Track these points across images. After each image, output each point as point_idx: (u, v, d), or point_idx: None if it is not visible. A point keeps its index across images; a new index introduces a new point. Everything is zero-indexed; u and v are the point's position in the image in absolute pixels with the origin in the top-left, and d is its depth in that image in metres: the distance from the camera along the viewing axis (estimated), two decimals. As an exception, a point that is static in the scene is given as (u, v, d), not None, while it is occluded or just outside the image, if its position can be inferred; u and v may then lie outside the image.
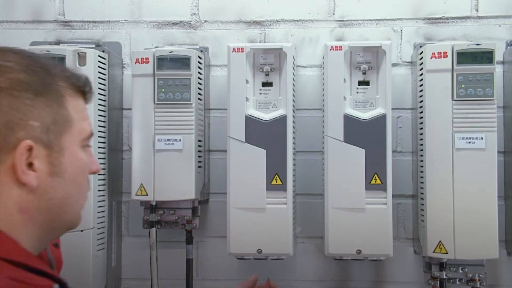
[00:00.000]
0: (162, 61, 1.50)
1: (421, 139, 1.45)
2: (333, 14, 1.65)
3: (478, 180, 1.38)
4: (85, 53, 1.49)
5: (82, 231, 1.44)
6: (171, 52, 1.51)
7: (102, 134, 1.53)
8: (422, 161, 1.45)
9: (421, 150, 1.45)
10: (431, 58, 1.41)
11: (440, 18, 1.62)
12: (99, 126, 1.51)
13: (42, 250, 0.84)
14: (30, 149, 0.73)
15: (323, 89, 1.51)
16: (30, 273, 0.70)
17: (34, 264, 0.72)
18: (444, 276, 1.44)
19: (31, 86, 0.74)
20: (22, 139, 0.72)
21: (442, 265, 1.44)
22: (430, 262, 1.45)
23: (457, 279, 1.45)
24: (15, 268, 0.69)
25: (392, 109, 1.44)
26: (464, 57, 1.39)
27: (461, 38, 1.60)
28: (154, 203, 1.53)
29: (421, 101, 1.45)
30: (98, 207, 1.51)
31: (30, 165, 0.74)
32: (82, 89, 0.84)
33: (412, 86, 1.59)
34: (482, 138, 1.38)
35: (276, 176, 1.44)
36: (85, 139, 0.84)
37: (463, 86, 1.39)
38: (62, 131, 0.78)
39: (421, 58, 1.44)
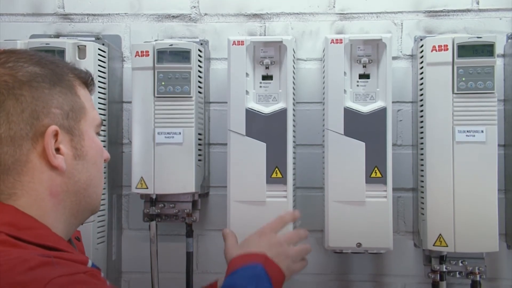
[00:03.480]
0: (162, 54, 1.50)
1: (422, 133, 1.45)
2: (334, 7, 1.65)
3: (478, 173, 1.38)
4: (85, 46, 1.48)
5: (82, 224, 1.44)
6: (171, 45, 1.50)
7: (102, 128, 1.52)
8: (422, 154, 1.45)
9: (421, 143, 1.45)
10: (432, 51, 1.41)
11: (441, 11, 1.61)
12: (99, 119, 1.51)
13: (70, 235, 0.89)
14: (56, 134, 0.79)
15: (323, 82, 1.51)
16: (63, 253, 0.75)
17: (66, 249, 0.77)
18: (444, 269, 1.44)
19: (47, 77, 0.80)
20: (48, 125, 0.78)
21: (442, 258, 1.44)
22: (430, 255, 1.45)
23: (457, 272, 1.45)
24: (47, 252, 0.73)
25: (393, 102, 1.44)
26: (465, 50, 1.39)
27: (461, 31, 1.60)
28: (154, 197, 1.53)
29: (422, 94, 1.45)
30: (98, 200, 1.50)
31: (57, 150, 0.80)
32: (86, 80, 0.90)
33: (413, 79, 1.59)
34: (482, 131, 1.38)
35: (276, 169, 1.44)
36: (97, 126, 0.90)
37: (463, 79, 1.39)
38: (79, 117, 0.84)
39: (422, 51, 1.44)
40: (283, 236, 1.16)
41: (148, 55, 1.49)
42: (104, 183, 1.53)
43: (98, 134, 0.91)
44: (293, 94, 1.50)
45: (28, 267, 0.66)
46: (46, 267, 0.67)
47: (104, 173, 1.51)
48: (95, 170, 0.87)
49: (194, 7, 1.69)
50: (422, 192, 1.45)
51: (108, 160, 0.96)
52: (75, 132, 0.83)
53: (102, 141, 1.51)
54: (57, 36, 1.69)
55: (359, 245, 1.42)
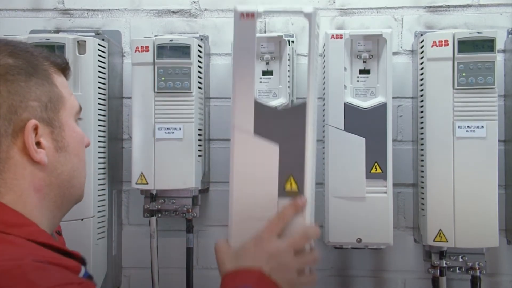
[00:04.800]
0: (162, 50, 1.49)
1: (422, 128, 1.45)
2: (334, 2, 1.64)
3: (479, 168, 1.38)
4: (85, 41, 1.48)
5: (82, 219, 1.44)
6: (171, 40, 1.50)
7: (102, 123, 1.53)
8: (422, 150, 1.45)
9: (422, 139, 1.45)
10: (432, 46, 1.40)
11: (441, 6, 1.61)
12: (99, 115, 1.51)
13: (54, 228, 0.87)
14: (36, 128, 0.76)
15: (324, 78, 1.51)
16: (55, 253, 0.73)
17: (57, 245, 0.75)
18: (444, 265, 1.44)
19: (22, 68, 0.77)
20: (27, 120, 0.75)
21: (442, 254, 1.44)
22: (430, 250, 1.45)
23: (457, 268, 1.45)
24: (41, 248, 0.72)
25: (393, 97, 1.44)
26: (465, 45, 1.39)
27: (462, 26, 1.60)
28: (154, 192, 1.53)
29: (422, 90, 1.45)
30: (98, 196, 1.51)
31: (38, 143, 0.77)
32: (62, 66, 0.86)
33: (413, 74, 1.59)
34: (482, 127, 1.38)
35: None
36: (77, 113, 0.87)
37: (464, 74, 1.38)
38: (58, 108, 0.81)
39: (422, 46, 1.44)
40: (286, 241, 0.95)
41: (148, 50, 1.49)
42: (104, 179, 1.54)
43: (79, 119, 0.89)
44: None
45: (22, 272, 0.64)
46: (39, 274, 0.65)
47: (104, 168, 1.53)
48: (77, 160, 0.85)
49: (194, 2, 1.68)
50: (422, 187, 1.45)
51: (89, 145, 0.92)
52: (55, 124, 0.80)
53: (102, 136, 1.52)
54: (57, 31, 1.69)
55: (359, 240, 1.42)
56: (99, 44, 1.52)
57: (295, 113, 0.97)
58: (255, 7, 0.95)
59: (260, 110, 0.97)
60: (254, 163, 0.99)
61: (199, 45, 1.53)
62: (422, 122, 1.45)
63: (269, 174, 0.99)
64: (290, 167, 0.98)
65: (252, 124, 0.97)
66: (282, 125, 0.98)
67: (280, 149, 0.97)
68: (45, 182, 0.79)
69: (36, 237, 0.73)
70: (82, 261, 0.78)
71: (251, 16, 0.95)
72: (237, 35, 0.96)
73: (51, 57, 0.84)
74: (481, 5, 1.60)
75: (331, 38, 1.44)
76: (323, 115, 1.50)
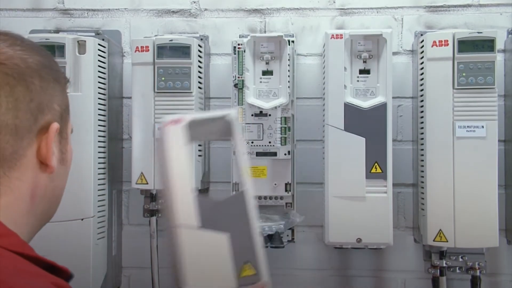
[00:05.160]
0: (162, 50, 1.49)
1: (422, 128, 1.45)
2: (334, 2, 1.64)
3: (479, 168, 1.38)
4: (85, 41, 1.48)
5: (82, 219, 1.44)
6: (171, 40, 1.50)
7: (102, 123, 1.53)
8: (422, 149, 1.45)
9: (422, 138, 1.45)
10: (432, 46, 1.40)
11: (441, 6, 1.61)
12: (99, 115, 1.51)
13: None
14: (56, 132, 0.72)
15: (324, 78, 1.51)
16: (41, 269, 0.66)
17: (44, 258, 0.68)
18: (444, 265, 1.44)
19: (51, 69, 0.74)
20: (50, 122, 0.72)
21: (442, 254, 1.44)
22: (430, 250, 1.46)
23: (457, 268, 1.45)
24: (26, 262, 0.65)
25: (393, 97, 1.44)
26: (465, 45, 1.39)
27: (462, 26, 1.60)
28: (154, 192, 1.54)
29: (422, 90, 1.45)
30: (99, 195, 1.51)
31: None
32: (69, 80, 0.82)
33: (413, 74, 1.59)
34: (482, 127, 1.38)
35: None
36: (72, 130, 0.82)
37: (464, 74, 1.38)
38: (67, 119, 0.78)
39: (422, 46, 1.44)
40: None
41: (148, 50, 1.49)
42: (104, 179, 1.54)
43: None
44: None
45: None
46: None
47: (104, 168, 1.53)
48: (66, 179, 0.80)
49: (194, 2, 1.68)
50: (422, 187, 1.45)
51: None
52: (63, 135, 0.76)
53: (102, 136, 1.52)
54: (57, 31, 1.69)
55: (359, 240, 1.42)
56: (99, 44, 1.52)
57: (236, 201, 0.95)
58: (184, 116, 0.90)
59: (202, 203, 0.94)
60: (206, 255, 0.94)
61: (199, 45, 1.53)
62: (422, 122, 1.45)
63: (224, 264, 0.93)
64: (244, 254, 0.94)
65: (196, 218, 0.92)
66: (226, 215, 0.94)
67: (230, 237, 0.92)
68: (41, 192, 0.74)
69: (22, 248, 0.66)
70: (70, 277, 0.71)
71: (178, 122, 0.91)
72: (163, 142, 0.92)
73: (61, 68, 0.80)
74: (481, 5, 1.59)
75: (331, 38, 1.44)
76: (323, 115, 1.50)
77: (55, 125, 0.72)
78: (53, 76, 0.74)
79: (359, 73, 1.47)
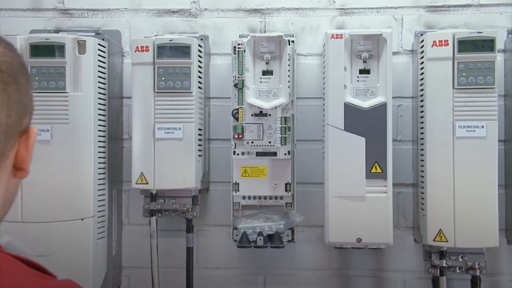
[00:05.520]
0: (162, 50, 1.49)
1: (422, 128, 1.45)
2: (334, 2, 1.64)
3: (479, 168, 1.38)
4: (85, 41, 1.48)
5: (82, 219, 1.44)
6: (171, 40, 1.50)
7: (102, 123, 1.53)
8: (422, 149, 1.45)
9: (422, 138, 1.45)
10: (432, 46, 1.40)
11: (441, 6, 1.61)
12: (99, 114, 1.51)
13: None
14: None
15: (324, 78, 1.51)
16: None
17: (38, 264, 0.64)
18: (444, 265, 1.44)
19: (27, 71, 0.69)
20: (28, 125, 0.67)
21: (442, 254, 1.44)
22: (430, 250, 1.45)
23: (457, 267, 1.45)
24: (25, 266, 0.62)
25: (393, 97, 1.44)
26: (465, 45, 1.39)
27: (462, 26, 1.60)
28: (154, 192, 1.54)
29: (422, 90, 1.45)
30: (99, 195, 1.50)
31: None
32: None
33: (413, 74, 1.59)
34: (482, 127, 1.38)
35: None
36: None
37: (464, 74, 1.38)
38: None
39: (422, 46, 1.44)
40: None
41: (148, 50, 1.49)
42: (104, 179, 1.54)
43: None
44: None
45: None
46: None
47: (104, 168, 1.53)
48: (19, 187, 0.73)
49: (194, 2, 1.68)
50: (422, 187, 1.45)
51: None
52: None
53: (102, 136, 1.52)
54: (57, 31, 1.69)
55: (359, 240, 1.42)
56: (99, 44, 1.52)
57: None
58: None
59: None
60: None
61: (199, 45, 1.53)
62: (422, 122, 1.45)
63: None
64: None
65: None
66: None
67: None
68: (7, 197, 0.67)
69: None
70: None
71: None
72: None
73: None
74: (481, 5, 1.60)
75: (331, 38, 1.44)
76: (323, 115, 1.50)
77: (35, 129, 0.68)
78: (29, 79, 0.69)
79: (359, 73, 1.47)
